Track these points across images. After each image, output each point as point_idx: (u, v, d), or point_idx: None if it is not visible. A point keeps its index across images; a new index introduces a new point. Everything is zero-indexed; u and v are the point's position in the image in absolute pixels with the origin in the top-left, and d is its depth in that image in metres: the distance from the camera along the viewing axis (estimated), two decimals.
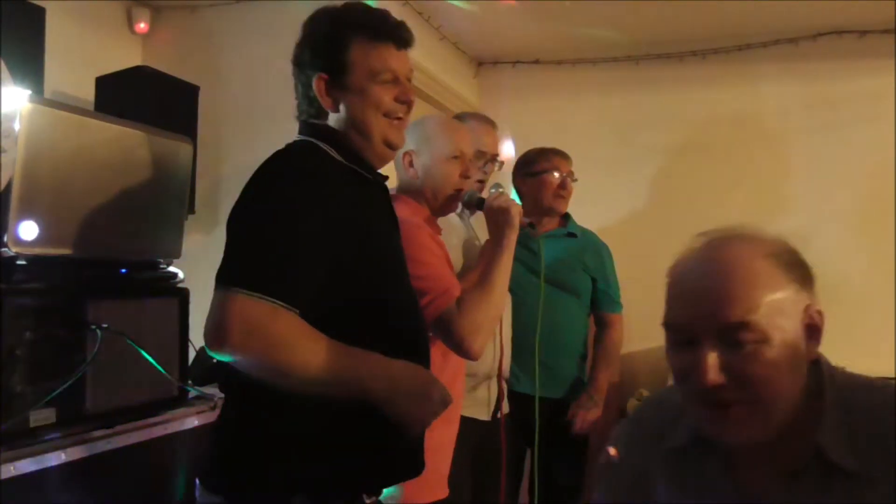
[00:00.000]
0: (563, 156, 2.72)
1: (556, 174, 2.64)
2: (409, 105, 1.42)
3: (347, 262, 1.24)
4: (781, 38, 3.72)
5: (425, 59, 3.54)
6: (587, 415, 2.57)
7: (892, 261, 3.48)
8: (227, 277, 1.15)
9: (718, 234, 0.95)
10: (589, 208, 4.01)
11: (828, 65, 3.71)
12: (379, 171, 1.46)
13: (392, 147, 1.42)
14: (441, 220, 2.07)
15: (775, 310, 0.88)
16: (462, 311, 1.65)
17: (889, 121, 3.53)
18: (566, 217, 2.79)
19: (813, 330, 0.93)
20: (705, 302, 0.90)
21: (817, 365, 0.95)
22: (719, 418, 0.91)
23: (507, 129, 3.58)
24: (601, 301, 2.75)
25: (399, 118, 1.41)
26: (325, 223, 1.22)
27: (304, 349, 1.16)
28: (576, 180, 2.74)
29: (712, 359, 0.88)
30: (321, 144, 1.36)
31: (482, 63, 4.27)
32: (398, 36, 1.40)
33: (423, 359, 1.38)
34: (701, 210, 3.89)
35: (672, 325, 0.94)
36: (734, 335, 0.88)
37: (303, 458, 1.23)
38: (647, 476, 1.04)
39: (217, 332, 1.12)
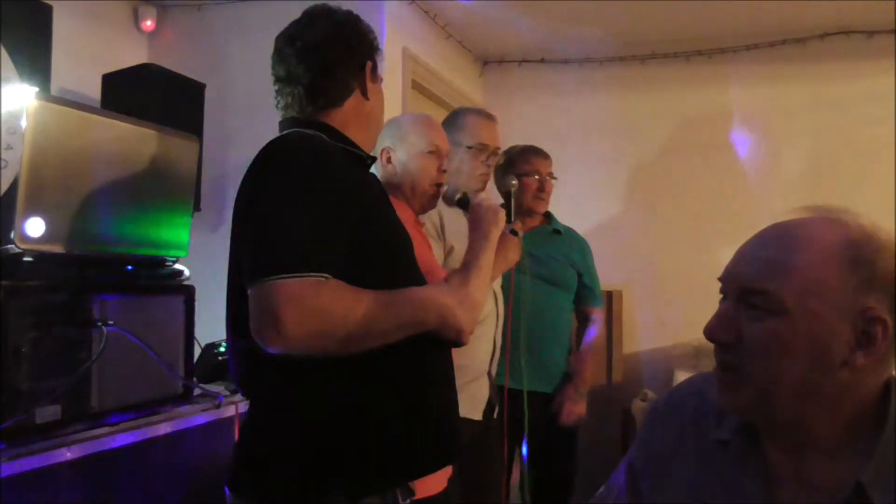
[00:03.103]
0: (542, 156, 2.75)
1: (536, 177, 2.68)
2: None
3: (363, 230, 1.26)
4: (789, 38, 3.71)
5: (431, 57, 3.54)
6: (574, 407, 2.61)
7: None
8: (261, 270, 1.15)
9: (815, 210, 0.91)
10: (593, 207, 4.03)
11: (836, 65, 3.70)
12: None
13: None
14: (448, 215, 2.09)
15: (811, 293, 0.83)
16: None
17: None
18: (548, 215, 2.83)
19: (865, 339, 0.82)
20: (742, 262, 0.89)
21: (888, 392, 0.86)
22: (717, 380, 0.90)
23: (513, 127, 3.56)
24: (585, 296, 2.81)
25: None
26: (338, 193, 1.24)
27: (358, 309, 1.17)
28: (555, 179, 2.76)
29: (721, 311, 0.88)
30: (311, 132, 1.38)
31: (488, 62, 4.27)
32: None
33: None
34: (706, 210, 3.89)
35: (720, 278, 0.94)
36: (754, 300, 0.86)
37: (335, 455, 1.23)
38: (672, 461, 1.00)
39: (269, 323, 1.11)
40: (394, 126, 1.95)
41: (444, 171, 1.94)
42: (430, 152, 1.91)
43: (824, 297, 0.83)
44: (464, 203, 1.94)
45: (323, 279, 1.15)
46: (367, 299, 1.20)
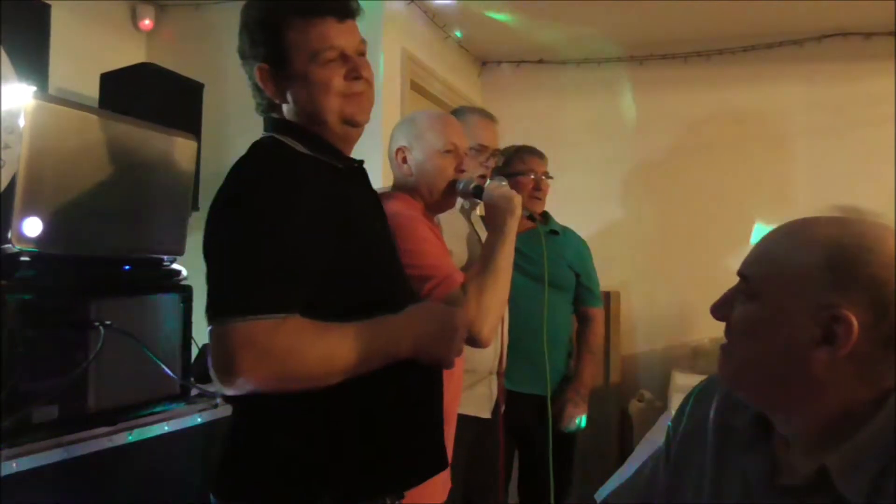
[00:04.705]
0: (538, 155, 2.72)
1: (532, 176, 2.64)
2: (364, 80, 1.31)
3: (332, 256, 1.20)
4: (786, 40, 3.72)
5: (429, 58, 3.55)
6: (574, 410, 2.59)
7: None
8: (218, 310, 1.12)
9: (843, 211, 0.92)
10: (591, 208, 4.03)
11: (833, 66, 3.71)
12: (351, 155, 1.39)
13: (353, 124, 1.32)
14: (445, 218, 2.03)
15: (784, 284, 0.85)
16: (469, 294, 1.61)
17: (893, 123, 3.52)
18: (545, 215, 2.80)
19: (829, 335, 0.82)
20: (751, 250, 0.94)
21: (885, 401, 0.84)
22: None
23: (511, 128, 3.56)
24: (584, 296, 2.78)
25: (357, 93, 1.30)
26: (301, 223, 1.17)
27: (318, 348, 1.14)
28: (551, 178, 2.73)
29: (725, 292, 0.93)
30: (284, 139, 1.30)
31: (486, 62, 4.27)
32: (336, 7, 1.28)
33: None
34: (703, 212, 3.90)
35: None
36: (742, 284, 0.91)
37: (323, 460, 1.21)
38: (692, 442, 1.03)
39: (226, 367, 1.09)
40: (409, 124, 1.88)
41: (463, 171, 1.86)
42: (448, 151, 1.82)
43: (793, 288, 0.85)
44: (477, 192, 1.86)
45: (280, 318, 1.10)
46: (329, 336, 1.15)
